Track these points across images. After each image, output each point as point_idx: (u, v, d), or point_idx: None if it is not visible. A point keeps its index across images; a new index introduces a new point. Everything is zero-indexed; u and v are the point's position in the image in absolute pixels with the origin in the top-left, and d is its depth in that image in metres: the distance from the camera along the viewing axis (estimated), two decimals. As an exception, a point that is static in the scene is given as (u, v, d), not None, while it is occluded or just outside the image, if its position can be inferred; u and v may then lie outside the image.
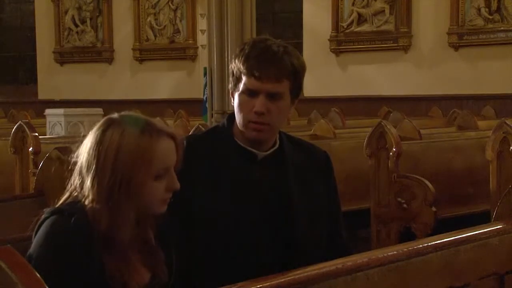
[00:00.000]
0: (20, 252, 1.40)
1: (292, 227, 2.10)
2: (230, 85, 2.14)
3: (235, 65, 2.08)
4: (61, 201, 1.80)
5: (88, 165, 1.74)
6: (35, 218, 1.77)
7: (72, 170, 1.79)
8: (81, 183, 1.76)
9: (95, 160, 1.73)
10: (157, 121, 1.84)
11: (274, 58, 2.04)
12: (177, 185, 1.79)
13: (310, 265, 1.79)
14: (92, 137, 1.76)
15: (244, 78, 2.06)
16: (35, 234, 1.73)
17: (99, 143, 1.73)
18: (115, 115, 1.79)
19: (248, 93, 2.06)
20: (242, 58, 2.06)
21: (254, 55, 2.05)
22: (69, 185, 1.79)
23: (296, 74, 2.09)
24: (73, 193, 1.78)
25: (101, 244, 1.70)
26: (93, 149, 1.74)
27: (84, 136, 1.78)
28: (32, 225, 1.77)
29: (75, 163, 1.78)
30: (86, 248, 1.67)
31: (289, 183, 2.13)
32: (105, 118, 1.79)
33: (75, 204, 1.74)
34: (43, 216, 1.74)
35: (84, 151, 1.76)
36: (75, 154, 1.78)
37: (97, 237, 1.70)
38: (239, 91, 2.08)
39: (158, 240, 1.84)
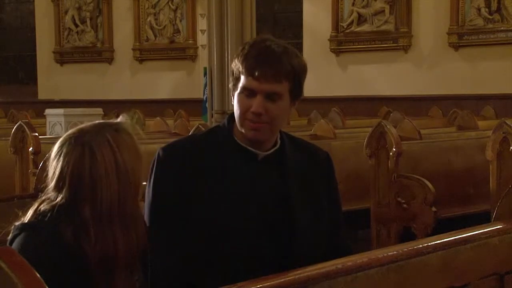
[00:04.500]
0: (20, 252, 1.40)
1: (292, 227, 2.10)
2: (230, 85, 2.14)
3: (235, 65, 2.08)
4: (34, 208, 1.82)
5: (59, 176, 1.78)
6: (4, 229, 1.78)
7: (45, 178, 1.82)
8: (54, 191, 1.80)
9: (68, 173, 1.77)
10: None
11: (273, 58, 2.03)
12: None
13: (310, 265, 1.79)
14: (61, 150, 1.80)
15: (242, 78, 2.05)
16: None
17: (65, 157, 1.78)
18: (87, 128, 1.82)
19: (246, 92, 2.05)
20: (241, 58, 2.06)
21: (253, 55, 2.04)
22: (41, 195, 1.83)
23: (296, 75, 2.07)
24: (42, 204, 1.81)
25: (72, 259, 1.71)
26: (58, 162, 1.79)
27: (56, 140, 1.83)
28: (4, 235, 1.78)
29: (47, 172, 1.82)
30: (56, 265, 1.68)
31: (289, 183, 2.13)
32: (72, 132, 1.82)
33: (45, 216, 1.77)
34: (12, 234, 1.76)
35: (54, 162, 1.81)
36: (49, 163, 1.82)
37: (68, 252, 1.71)
38: (238, 91, 2.08)
39: (140, 262, 1.86)
